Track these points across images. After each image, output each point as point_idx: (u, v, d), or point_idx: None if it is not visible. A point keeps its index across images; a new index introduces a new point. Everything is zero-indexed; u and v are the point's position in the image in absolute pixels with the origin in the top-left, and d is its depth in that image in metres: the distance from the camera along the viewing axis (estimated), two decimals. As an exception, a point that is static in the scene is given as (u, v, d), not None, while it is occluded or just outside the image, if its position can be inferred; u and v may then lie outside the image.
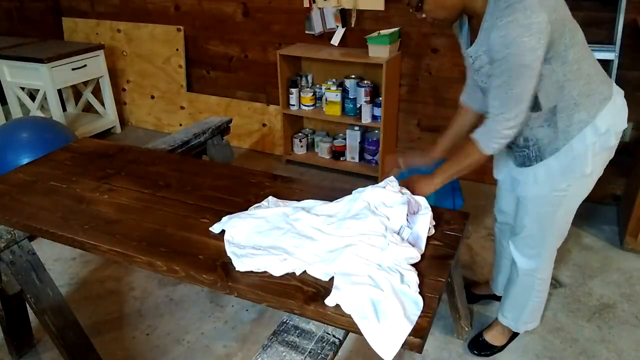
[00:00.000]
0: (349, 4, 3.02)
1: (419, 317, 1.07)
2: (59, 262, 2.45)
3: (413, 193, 1.47)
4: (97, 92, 3.91)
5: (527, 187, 1.59)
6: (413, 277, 1.15)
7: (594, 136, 1.47)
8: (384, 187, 1.41)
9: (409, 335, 1.04)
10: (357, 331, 1.10)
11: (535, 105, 1.42)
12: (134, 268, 2.38)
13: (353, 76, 3.10)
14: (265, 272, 1.22)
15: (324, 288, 1.16)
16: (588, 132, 1.46)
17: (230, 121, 2.57)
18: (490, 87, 1.38)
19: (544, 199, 1.58)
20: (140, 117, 4.15)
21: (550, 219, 1.62)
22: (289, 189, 1.62)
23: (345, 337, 1.17)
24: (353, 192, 1.47)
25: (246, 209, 1.48)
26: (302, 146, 3.40)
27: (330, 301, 1.11)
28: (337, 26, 3.07)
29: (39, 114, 3.53)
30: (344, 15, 3.06)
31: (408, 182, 1.54)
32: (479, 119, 1.58)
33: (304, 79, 3.31)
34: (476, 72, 1.48)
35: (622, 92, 1.55)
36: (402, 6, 2.95)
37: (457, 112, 1.79)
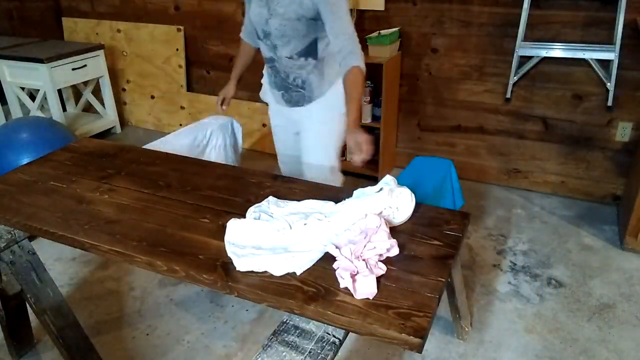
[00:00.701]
0: (349, 4, 3.02)
1: (419, 317, 1.07)
2: (59, 262, 2.45)
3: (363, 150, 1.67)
4: (97, 92, 3.91)
5: (304, 123, 2.01)
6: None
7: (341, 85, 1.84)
8: (379, 191, 1.40)
9: (409, 335, 1.04)
10: (357, 331, 1.09)
11: (315, 53, 1.85)
12: (134, 268, 2.38)
13: (353, 76, 3.10)
14: (266, 272, 1.22)
15: (324, 288, 1.16)
16: (341, 81, 1.84)
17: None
18: (334, 23, 1.73)
19: (318, 132, 1.99)
20: (140, 117, 4.16)
21: (325, 147, 2.02)
22: (289, 189, 1.62)
23: (345, 337, 1.17)
24: (354, 193, 1.47)
25: (246, 209, 1.48)
26: (302, 146, 3.40)
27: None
28: (337, 26, 3.06)
29: (39, 114, 3.53)
30: (344, 15, 3.06)
31: (356, 149, 1.72)
32: (255, 51, 2.14)
33: (304, 79, 3.31)
34: (277, 17, 1.78)
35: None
36: (402, 6, 2.95)
37: (240, 48, 2.21)
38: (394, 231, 1.35)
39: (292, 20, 1.76)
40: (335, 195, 1.53)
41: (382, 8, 2.97)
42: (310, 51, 1.85)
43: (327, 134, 2.01)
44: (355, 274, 1.16)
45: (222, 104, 2.22)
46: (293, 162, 2.21)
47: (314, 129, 2.01)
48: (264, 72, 2.09)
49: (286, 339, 1.13)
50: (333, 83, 1.92)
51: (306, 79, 1.92)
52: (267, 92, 2.11)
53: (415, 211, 1.46)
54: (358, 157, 1.66)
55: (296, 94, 1.97)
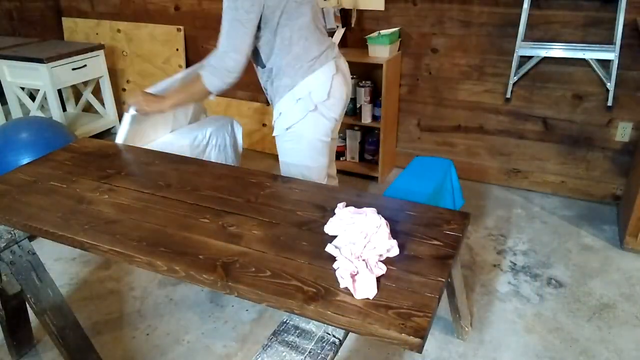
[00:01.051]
0: (349, 4, 3.02)
1: (419, 317, 1.07)
2: (59, 262, 2.45)
3: (143, 110, 1.90)
4: (97, 92, 3.91)
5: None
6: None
7: (292, 99, 1.84)
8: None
9: (409, 335, 1.04)
10: (357, 331, 1.09)
11: (261, 62, 1.84)
12: (134, 268, 2.38)
13: (353, 76, 3.09)
14: (266, 271, 1.22)
15: (324, 288, 1.16)
16: (289, 95, 1.84)
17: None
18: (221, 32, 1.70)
19: (279, 138, 1.99)
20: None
21: (289, 155, 2.01)
22: (289, 189, 1.62)
23: (345, 337, 1.17)
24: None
25: (247, 209, 1.48)
26: (302, 146, 3.40)
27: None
28: (337, 26, 3.07)
29: (39, 114, 3.53)
30: (344, 15, 3.06)
31: (138, 101, 1.88)
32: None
33: (304, 79, 3.31)
34: None
35: (334, 72, 1.86)
36: (402, 6, 2.95)
37: None
38: (394, 231, 1.35)
39: None
40: (335, 195, 1.53)
41: (382, 8, 2.97)
42: (256, 59, 1.87)
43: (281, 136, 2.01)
44: (355, 274, 1.16)
45: None
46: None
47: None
48: None
49: (286, 339, 1.13)
50: (282, 96, 1.88)
51: (264, 85, 1.96)
52: None
53: (415, 211, 1.46)
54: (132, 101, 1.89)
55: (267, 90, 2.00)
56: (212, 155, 2.34)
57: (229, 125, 2.44)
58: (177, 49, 3.75)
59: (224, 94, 3.79)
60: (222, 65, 1.72)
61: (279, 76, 1.84)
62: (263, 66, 1.86)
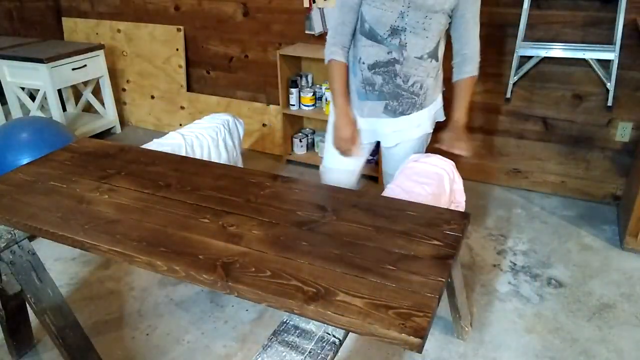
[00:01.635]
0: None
1: (419, 317, 1.07)
2: (59, 262, 2.45)
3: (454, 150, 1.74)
4: (97, 92, 3.91)
5: (409, 132, 1.87)
6: None
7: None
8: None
9: (409, 335, 1.04)
10: (357, 331, 1.09)
11: (437, 55, 1.73)
12: (134, 268, 2.39)
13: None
14: (266, 271, 1.22)
15: (324, 288, 1.16)
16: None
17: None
18: (473, 27, 1.66)
19: (420, 140, 1.90)
20: (140, 117, 4.15)
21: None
22: (289, 189, 1.62)
23: (345, 337, 1.17)
24: None
25: (247, 209, 1.48)
26: (302, 146, 3.40)
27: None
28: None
29: (39, 114, 3.53)
30: (344, 15, 3.06)
31: (451, 147, 1.74)
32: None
33: (304, 79, 3.31)
34: (420, 9, 1.62)
35: None
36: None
37: (338, 72, 1.78)
38: (395, 233, 1.35)
39: (438, 13, 1.61)
40: (335, 195, 1.53)
41: (382, 8, 2.97)
42: (436, 52, 1.72)
43: (424, 141, 1.90)
44: None
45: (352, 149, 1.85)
46: (346, 174, 2.02)
47: (414, 137, 1.87)
48: (356, 85, 1.84)
49: (286, 339, 1.13)
50: (441, 89, 1.83)
51: (424, 83, 1.76)
52: (355, 107, 1.87)
53: (415, 211, 1.46)
54: (459, 151, 1.73)
55: (407, 101, 1.78)
56: (213, 154, 2.34)
57: (228, 124, 2.44)
58: (177, 49, 3.75)
59: (224, 94, 3.81)
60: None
61: (440, 69, 1.80)
62: (437, 59, 1.76)
